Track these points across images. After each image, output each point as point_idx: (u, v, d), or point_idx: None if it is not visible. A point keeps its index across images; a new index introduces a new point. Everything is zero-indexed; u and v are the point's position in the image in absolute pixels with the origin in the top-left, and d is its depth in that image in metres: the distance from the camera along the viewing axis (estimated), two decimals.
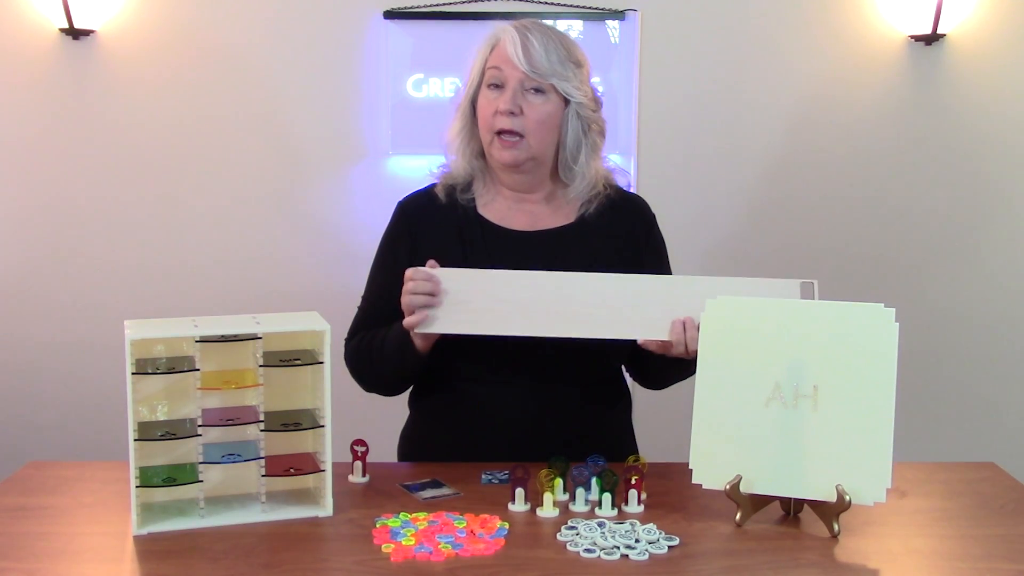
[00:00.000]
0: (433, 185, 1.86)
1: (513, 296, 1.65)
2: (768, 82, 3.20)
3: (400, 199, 1.89)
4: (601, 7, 3.14)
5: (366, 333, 1.82)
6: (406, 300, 1.66)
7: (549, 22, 1.84)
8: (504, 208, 1.83)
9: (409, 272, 1.66)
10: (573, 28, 3.12)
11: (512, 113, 1.72)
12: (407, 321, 1.67)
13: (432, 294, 1.65)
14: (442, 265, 1.75)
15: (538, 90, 1.73)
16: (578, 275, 1.68)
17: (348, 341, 1.86)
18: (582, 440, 1.73)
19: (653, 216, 1.90)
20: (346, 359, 1.84)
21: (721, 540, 1.44)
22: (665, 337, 1.64)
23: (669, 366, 1.71)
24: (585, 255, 1.79)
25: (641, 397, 1.96)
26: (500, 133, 1.74)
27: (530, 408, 1.76)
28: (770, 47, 3.19)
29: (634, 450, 1.86)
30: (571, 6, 3.13)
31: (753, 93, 3.21)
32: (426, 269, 1.66)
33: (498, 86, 1.74)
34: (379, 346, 1.77)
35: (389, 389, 1.87)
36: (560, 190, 1.84)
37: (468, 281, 1.66)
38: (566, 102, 1.76)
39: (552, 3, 3.13)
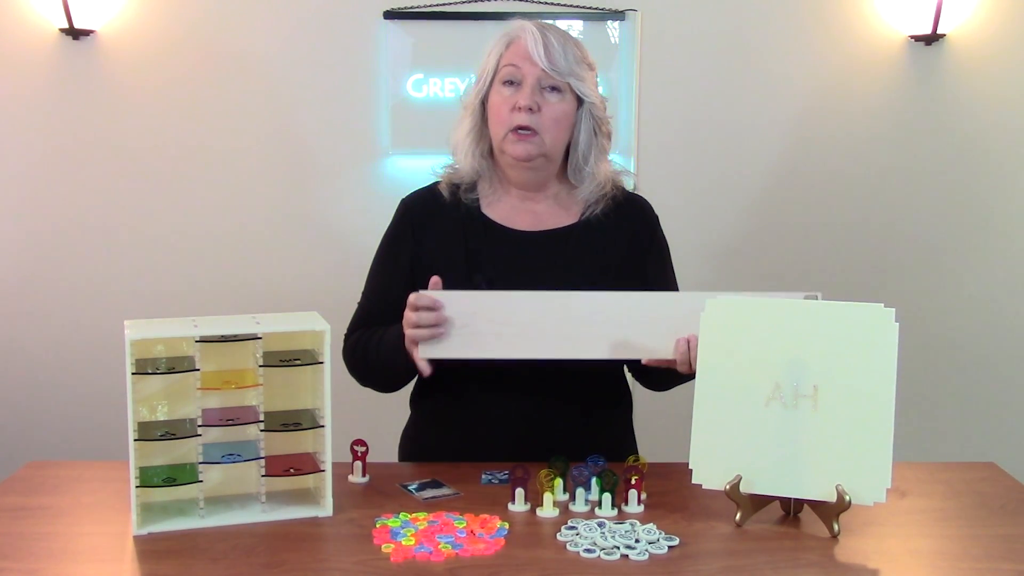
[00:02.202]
0: (437, 183, 1.86)
1: (517, 318, 1.63)
2: (768, 82, 3.20)
3: (403, 196, 1.89)
4: (601, 7, 3.14)
5: (364, 331, 1.82)
6: (410, 332, 1.63)
7: (549, 22, 1.84)
8: (508, 207, 1.82)
9: (412, 299, 1.62)
10: (573, 28, 3.12)
11: (530, 109, 1.71)
12: (413, 354, 1.64)
13: (436, 324, 1.62)
14: (444, 265, 1.74)
15: (555, 88, 1.73)
16: (582, 294, 1.65)
17: (347, 337, 1.86)
18: (583, 441, 1.73)
19: (656, 217, 1.90)
20: (344, 355, 1.84)
21: (721, 540, 1.44)
22: (670, 356, 1.63)
23: (672, 376, 1.70)
24: (588, 256, 1.79)
25: (641, 398, 1.96)
26: (516, 128, 1.72)
27: (532, 409, 1.76)
28: (770, 47, 3.19)
29: (634, 451, 1.86)
30: (571, 6, 3.13)
31: (753, 93, 3.21)
32: (430, 294, 1.62)
33: (513, 83, 1.73)
34: (375, 349, 1.77)
35: (385, 389, 1.86)
36: (566, 191, 1.84)
37: (472, 304, 1.64)
38: (579, 102, 1.76)
39: (552, 3, 3.13)
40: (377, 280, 1.86)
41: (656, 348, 1.64)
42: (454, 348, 1.64)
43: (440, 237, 1.80)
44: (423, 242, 1.81)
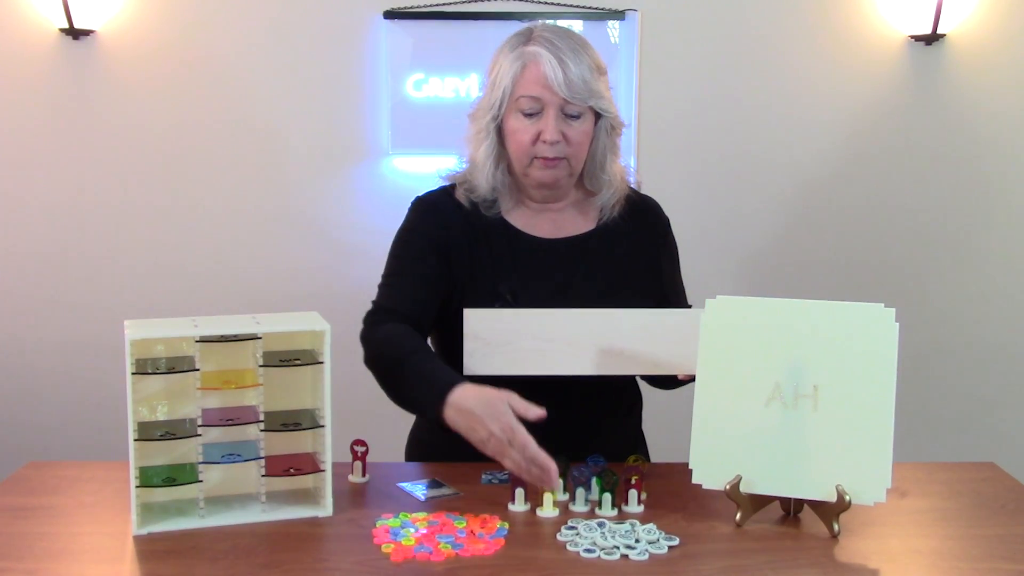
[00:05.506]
0: (449, 186, 1.82)
1: (560, 335, 1.64)
2: (768, 82, 3.20)
3: (413, 196, 1.84)
4: (601, 7, 3.14)
5: (397, 338, 1.69)
6: (508, 464, 1.47)
7: (556, 27, 1.79)
8: (529, 215, 1.81)
9: (521, 441, 1.47)
10: (573, 28, 3.11)
11: (556, 141, 1.69)
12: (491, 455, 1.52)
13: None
14: (471, 270, 1.73)
15: (574, 112, 1.70)
16: (625, 311, 1.65)
17: (369, 321, 1.75)
18: (594, 445, 1.71)
19: (667, 219, 1.90)
20: (363, 339, 1.74)
21: (721, 540, 1.44)
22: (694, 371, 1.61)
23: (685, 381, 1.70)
24: (608, 260, 1.79)
25: (644, 397, 1.96)
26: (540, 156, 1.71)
27: (545, 414, 1.75)
28: (770, 47, 3.19)
29: (645, 454, 1.85)
30: (571, 6, 3.13)
31: (753, 93, 3.21)
32: (538, 454, 1.47)
33: (533, 114, 1.69)
34: (402, 380, 1.65)
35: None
36: (584, 196, 1.83)
37: (515, 321, 1.64)
38: (596, 116, 1.74)
39: (552, 3, 3.13)
40: (399, 263, 1.78)
41: (688, 363, 1.62)
42: (498, 365, 1.64)
43: (464, 241, 1.77)
44: (448, 241, 1.77)
